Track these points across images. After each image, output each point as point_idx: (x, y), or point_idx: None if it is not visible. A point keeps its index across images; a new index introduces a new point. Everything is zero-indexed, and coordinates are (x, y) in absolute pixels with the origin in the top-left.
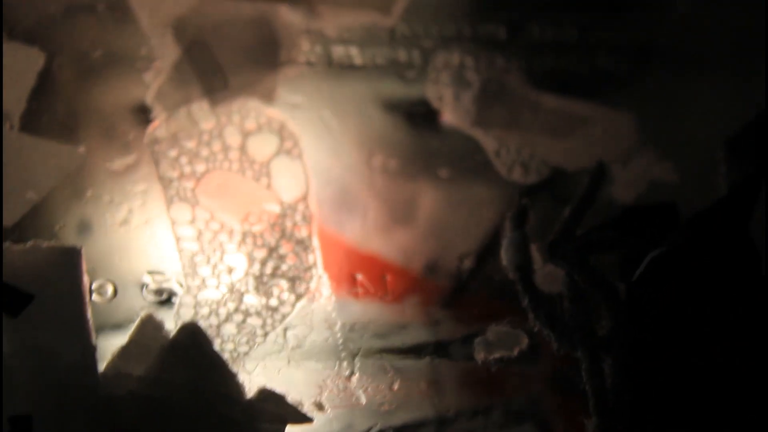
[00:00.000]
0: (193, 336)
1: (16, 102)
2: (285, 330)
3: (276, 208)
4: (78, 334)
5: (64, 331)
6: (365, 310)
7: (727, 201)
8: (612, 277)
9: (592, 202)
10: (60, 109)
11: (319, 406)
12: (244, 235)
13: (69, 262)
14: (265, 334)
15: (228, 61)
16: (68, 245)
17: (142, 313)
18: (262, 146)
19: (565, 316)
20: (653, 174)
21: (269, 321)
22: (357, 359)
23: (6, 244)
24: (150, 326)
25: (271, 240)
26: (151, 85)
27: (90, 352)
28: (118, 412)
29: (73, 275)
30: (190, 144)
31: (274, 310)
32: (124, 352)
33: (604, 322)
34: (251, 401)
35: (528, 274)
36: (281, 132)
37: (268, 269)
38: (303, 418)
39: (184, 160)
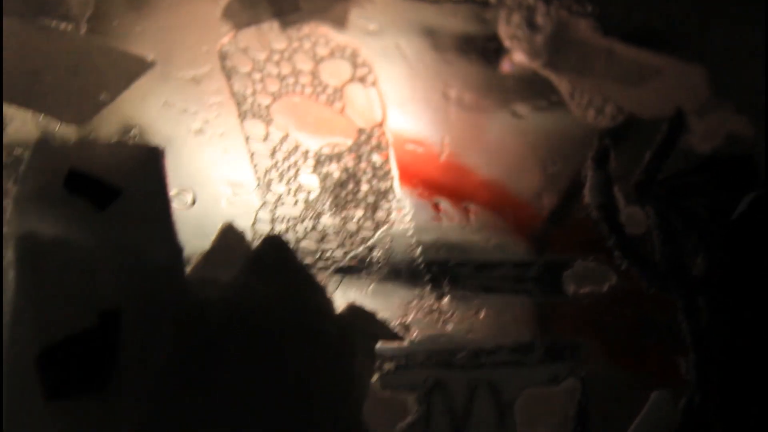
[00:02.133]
0: (278, 248)
1: (83, 4)
2: (369, 250)
3: (351, 133)
4: (164, 234)
5: (151, 231)
6: (447, 235)
7: None
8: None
9: (672, 148)
10: (129, 17)
11: (406, 328)
12: (319, 156)
13: (153, 161)
14: (345, 254)
15: None
16: (152, 145)
17: (223, 223)
18: (335, 72)
19: (654, 256)
20: (729, 127)
21: (348, 243)
22: (444, 284)
23: (91, 139)
24: (231, 235)
25: (348, 164)
26: (221, 1)
27: (177, 253)
28: (205, 318)
29: (157, 174)
30: (263, 61)
31: (354, 233)
32: (207, 259)
33: (699, 262)
34: (341, 315)
35: (613, 213)
36: (354, 59)
37: (345, 192)
38: (394, 336)
39: (256, 76)
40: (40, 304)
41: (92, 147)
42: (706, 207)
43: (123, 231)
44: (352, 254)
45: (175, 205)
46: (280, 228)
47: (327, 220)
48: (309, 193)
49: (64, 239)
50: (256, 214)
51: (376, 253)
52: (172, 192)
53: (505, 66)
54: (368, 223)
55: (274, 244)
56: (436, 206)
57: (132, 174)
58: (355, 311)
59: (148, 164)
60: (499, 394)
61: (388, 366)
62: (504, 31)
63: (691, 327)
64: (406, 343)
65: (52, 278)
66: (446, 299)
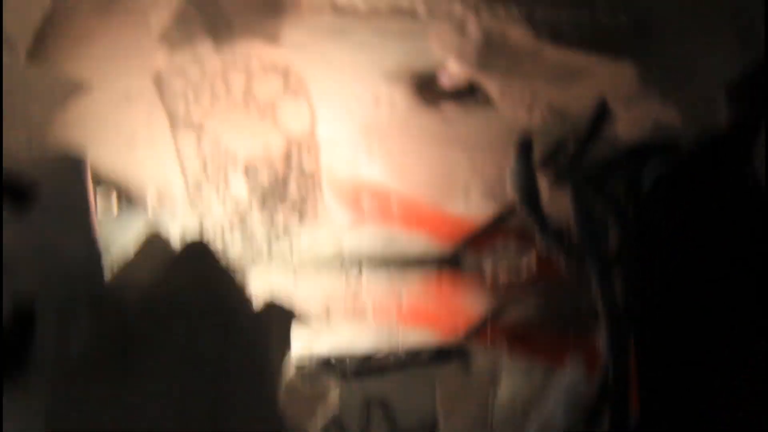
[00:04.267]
0: (199, 251)
1: (22, 34)
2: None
3: (281, 141)
4: (84, 237)
5: (71, 233)
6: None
7: (728, 138)
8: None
9: (596, 136)
10: (66, 43)
11: (326, 316)
12: (249, 164)
13: (76, 168)
14: (270, 251)
15: (232, 4)
16: (75, 155)
17: (148, 230)
18: (267, 86)
19: (571, 237)
20: (656, 116)
21: (274, 239)
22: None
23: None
24: (156, 241)
25: (277, 169)
26: (156, 24)
27: (96, 255)
28: (125, 315)
29: (80, 182)
30: (197, 79)
31: (280, 232)
32: (132, 263)
33: (612, 240)
34: (258, 310)
35: (535, 199)
36: (286, 72)
37: (274, 197)
38: (308, 327)
39: (190, 95)
40: None
41: (17, 155)
42: (625, 189)
43: (42, 232)
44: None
45: (102, 215)
46: (208, 232)
47: (255, 222)
48: (237, 199)
49: None
50: (183, 222)
51: (300, 248)
52: (101, 199)
53: (444, 79)
54: (294, 222)
55: (196, 249)
56: (360, 207)
57: (54, 180)
58: (271, 304)
59: (70, 172)
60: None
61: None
62: (435, 39)
63: (605, 300)
64: (318, 331)
65: None
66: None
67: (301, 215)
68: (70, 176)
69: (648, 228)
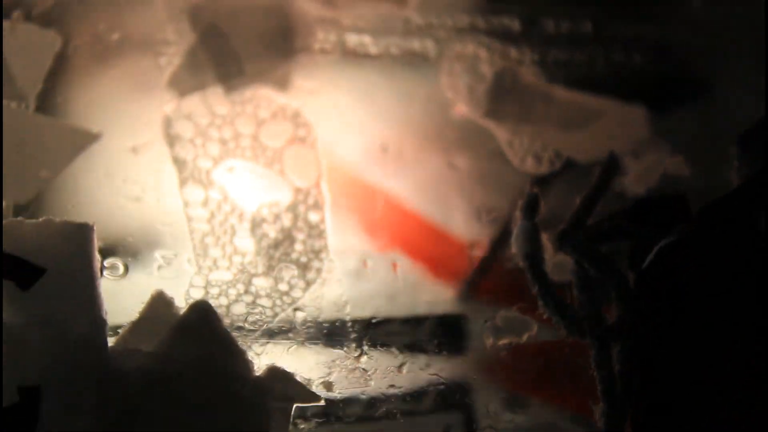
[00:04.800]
0: (203, 314)
1: (32, 83)
2: (294, 311)
3: (288, 194)
4: (88, 308)
5: (75, 305)
6: (376, 292)
7: (739, 194)
8: (622, 267)
9: (604, 193)
10: (75, 91)
11: (328, 387)
12: (255, 218)
13: (81, 237)
14: (275, 315)
15: (243, 48)
16: (81, 221)
17: (153, 291)
18: (276, 133)
19: (574, 305)
20: (665, 167)
21: (278, 303)
22: (365, 341)
23: (19, 219)
24: (160, 303)
25: (283, 224)
26: (165, 70)
27: (100, 326)
28: (127, 387)
29: (85, 250)
30: (205, 126)
31: (285, 293)
32: (134, 328)
33: (613, 311)
34: (260, 379)
35: (538, 262)
36: (295, 119)
37: (279, 253)
38: (312, 397)
39: (198, 141)
40: None
41: (20, 227)
42: (636, 250)
43: (48, 306)
44: (281, 316)
45: (108, 275)
46: (213, 292)
47: (259, 282)
48: (244, 256)
49: None
50: (191, 281)
51: (303, 313)
52: (106, 263)
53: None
54: (300, 283)
55: (200, 309)
56: (364, 263)
57: (58, 251)
58: (273, 373)
59: (75, 241)
60: None
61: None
62: (446, 82)
63: (601, 374)
64: (322, 402)
65: None
66: (367, 357)
67: (306, 276)
68: (76, 246)
69: (649, 299)
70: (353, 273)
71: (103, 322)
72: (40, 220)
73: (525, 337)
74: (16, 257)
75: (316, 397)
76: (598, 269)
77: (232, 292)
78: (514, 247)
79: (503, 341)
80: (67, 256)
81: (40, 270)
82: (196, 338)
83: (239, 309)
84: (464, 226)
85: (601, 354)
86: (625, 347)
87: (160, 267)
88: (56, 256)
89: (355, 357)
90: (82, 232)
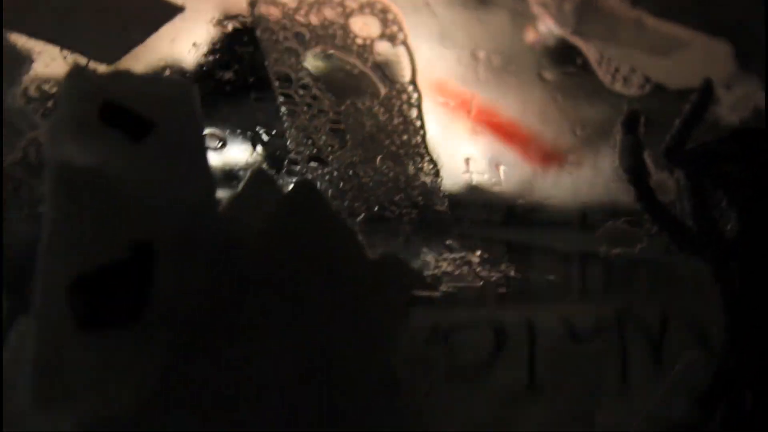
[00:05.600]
0: (308, 192)
1: None
2: (398, 203)
3: (380, 88)
4: (198, 170)
5: (184, 165)
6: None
7: None
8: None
9: (702, 117)
10: None
11: (437, 280)
12: (348, 108)
13: (187, 96)
14: (375, 206)
15: None
16: (185, 81)
17: (254, 166)
18: (365, 28)
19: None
20: (756, 101)
21: (378, 194)
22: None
23: (126, 70)
24: (262, 179)
25: (378, 118)
26: None
27: (210, 188)
28: (238, 256)
29: (193, 110)
30: (292, 10)
31: (384, 185)
32: (237, 201)
33: (731, 226)
34: (374, 262)
35: (643, 177)
36: (384, 15)
37: (375, 145)
38: (427, 285)
39: (287, 24)
40: (74, 234)
41: (127, 79)
42: (736, 173)
43: (157, 164)
44: (382, 205)
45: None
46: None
47: (359, 171)
48: (337, 144)
49: (99, 170)
50: (286, 161)
51: (407, 206)
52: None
53: (530, 36)
54: (400, 177)
55: (306, 188)
56: (466, 161)
57: (166, 108)
58: (388, 259)
59: (182, 99)
60: None
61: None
62: None
63: (723, 291)
64: (438, 292)
65: (87, 208)
66: (477, 253)
67: (405, 168)
68: (182, 104)
69: None
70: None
71: (213, 184)
72: (148, 74)
73: (637, 249)
74: (125, 108)
75: (431, 286)
76: (714, 184)
77: (329, 178)
78: (619, 162)
79: (616, 251)
80: (175, 114)
81: (150, 122)
82: (304, 216)
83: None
84: (558, 138)
85: (720, 269)
86: (745, 262)
87: (257, 145)
88: (164, 112)
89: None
90: (188, 91)
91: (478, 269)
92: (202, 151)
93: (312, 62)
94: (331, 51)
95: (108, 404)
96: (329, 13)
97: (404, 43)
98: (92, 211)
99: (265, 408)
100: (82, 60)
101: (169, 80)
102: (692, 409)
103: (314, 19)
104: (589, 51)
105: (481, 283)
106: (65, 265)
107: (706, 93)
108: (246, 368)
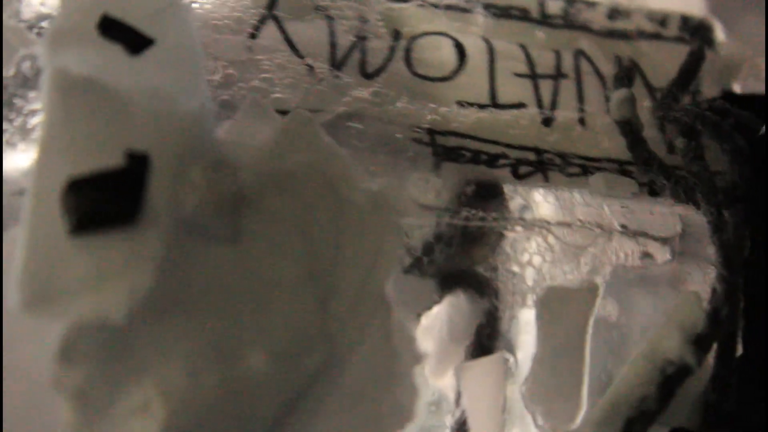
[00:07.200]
0: (305, 122)
1: None
2: None
3: None
4: (195, 88)
5: (182, 82)
6: None
7: None
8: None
9: (692, 77)
10: None
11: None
12: None
13: (186, 15)
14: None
15: None
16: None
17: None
18: None
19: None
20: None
21: None
22: None
23: None
24: (258, 106)
25: None
26: None
27: (207, 108)
28: (236, 174)
29: (190, 30)
30: None
31: None
32: (234, 127)
33: (727, 176)
34: (373, 188)
35: (637, 128)
36: None
37: None
38: (423, 215)
39: None
40: (68, 139)
41: None
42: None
43: (155, 77)
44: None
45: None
46: None
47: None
48: None
49: (96, 79)
50: None
51: None
52: None
53: None
54: None
55: (302, 118)
56: None
57: (166, 25)
58: (385, 186)
59: (181, 18)
60: None
61: None
62: None
63: (718, 240)
64: (433, 221)
65: (83, 115)
66: None
67: None
68: (182, 21)
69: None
70: None
71: (211, 105)
72: None
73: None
74: (124, 24)
75: (427, 216)
76: (711, 131)
77: None
78: (612, 114)
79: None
80: (173, 32)
81: (148, 39)
82: (301, 143)
83: None
84: None
85: (718, 220)
86: (740, 211)
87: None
88: (163, 29)
89: None
90: (187, 11)
91: None
92: (199, 66)
93: None
94: None
95: (101, 308)
96: None
97: None
98: (88, 117)
99: (262, 311)
100: None
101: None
102: (686, 348)
103: None
104: None
105: None
106: (58, 169)
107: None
108: (243, 272)
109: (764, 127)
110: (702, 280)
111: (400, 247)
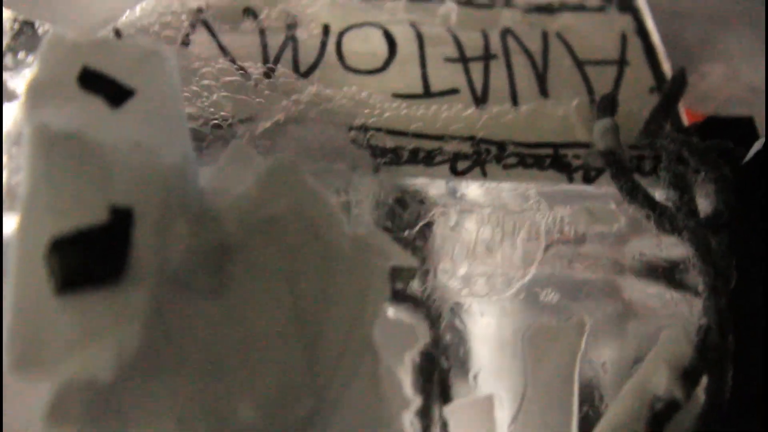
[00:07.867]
0: (289, 166)
1: None
2: None
3: None
4: (178, 138)
5: (164, 133)
6: None
7: None
8: None
9: (675, 104)
10: None
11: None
12: None
13: (167, 64)
14: None
15: None
16: (161, 47)
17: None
18: None
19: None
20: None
21: None
22: None
23: (107, 36)
24: (241, 151)
25: None
26: None
27: (190, 158)
28: (220, 223)
29: (172, 78)
30: None
31: None
32: (219, 170)
33: (709, 203)
34: (357, 233)
35: (620, 157)
36: None
37: None
38: (408, 260)
39: None
40: (51, 197)
41: (105, 45)
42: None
43: (136, 129)
44: None
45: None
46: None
47: None
48: None
49: (78, 133)
50: None
51: None
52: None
53: None
54: None
55: (285, 163)
56: None
57: (147, 75)
58: (371, 230)
59: (162, 67)
60: None
61: None
62: None
63: (704, 270)
64: (416, 265)
65: (65, 171)
66: None
67: None
68: (163, 71)
69: (750, 193)
70: None
71: (193, 155)
72: (127, 40)
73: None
74: (104, 74)
75: (412, 260)
76: (697, 159)
77: None
78: (596, 143)
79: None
80: (154, 82)
81: (129, 91)
82: (284, 188)
83: None
84: None
85: (700, 246)
86: (723, 239)
87: None
88: (144, 79)
89: None
90: (168, 59)
91: None
92: (181, 116)
93: None
94: None
95: (88, 367)
96: None
97: None
98: (70, 173)
99: (249, 362)
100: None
101: (149, 48)
102: (674, 383)
103: None
104: None
105: None
106: (41, 228)
107: (679, 80)
108: (230, 323)
109: (749, 153)
110: (689, 312)
111: (386, 291)
